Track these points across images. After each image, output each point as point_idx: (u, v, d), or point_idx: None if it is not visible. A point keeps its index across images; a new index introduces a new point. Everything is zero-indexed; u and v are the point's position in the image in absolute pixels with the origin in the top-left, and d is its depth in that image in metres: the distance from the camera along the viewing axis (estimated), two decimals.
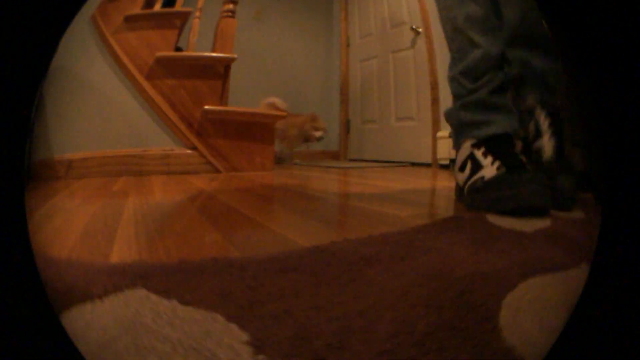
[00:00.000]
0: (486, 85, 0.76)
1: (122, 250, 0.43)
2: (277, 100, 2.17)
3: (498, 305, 0.27)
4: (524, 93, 0.79)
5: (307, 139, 2.30)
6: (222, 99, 1.65)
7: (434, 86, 2.16)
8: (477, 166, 0.70)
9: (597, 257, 0.20)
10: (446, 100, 2.10)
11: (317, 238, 0.49)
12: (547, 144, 0.75)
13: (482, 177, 0.67)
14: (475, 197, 0.67)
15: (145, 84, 1.47)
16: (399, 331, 0.24)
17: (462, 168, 0.74)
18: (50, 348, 0.20)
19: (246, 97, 2.44)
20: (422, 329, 0.24)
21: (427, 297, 0.29)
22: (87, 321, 0.25)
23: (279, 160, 2.24)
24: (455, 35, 0.80)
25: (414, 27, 2.27)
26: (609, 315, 0.19)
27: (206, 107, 1.55)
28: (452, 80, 0.81)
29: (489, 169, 0.68)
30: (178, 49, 1.60)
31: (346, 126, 2.94)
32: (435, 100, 2.16)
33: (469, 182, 0.70)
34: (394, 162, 2.46)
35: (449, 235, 0.48)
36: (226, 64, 1.66)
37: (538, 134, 0.75)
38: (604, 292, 0.20)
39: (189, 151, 1.54)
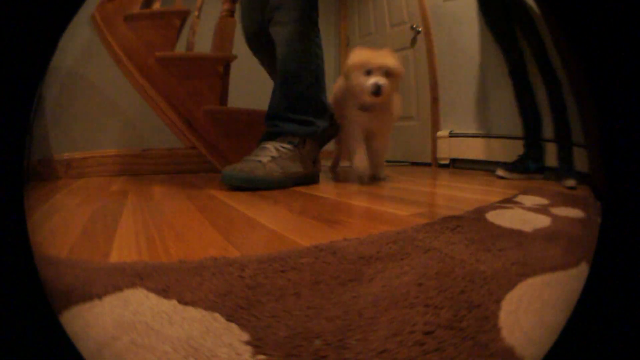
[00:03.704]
0: None
1: (122, 250, 0.43)
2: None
3: (497, 305, 0.27)
4: None
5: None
6: (222, 98, 1.65)
7: (434, 85, 2.16)
8: None
9: (597, 257, 0.20)
10: (446, 99, 2.10)
11: (316, 237, 0.49)
12: None
13: None
14: None
15: (145, 83, 1.47)
16: (398, 331, 0.24)
17: None
18: (49, 348, 0.20)
19: (246, 97, 2.44)
20: (421, 329, 0.24)
21: (426, 297, 0.29)
22: (86, 321, 0.25)
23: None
24: None
25: (414, 26, 2.27)
26: (609, 315, 0.19)
27: (206, 106, 1.55)
28: None
29: None
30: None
31: None
32: (435, 100, 2.16)
33: None
34: (393, 161, 2.46)
35: (449, 235, 0.48)
36: (226, 64, 1.66)
37: None
38: (604, 292, 0.20)
39: (188, 150, 1.54)
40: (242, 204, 0.76)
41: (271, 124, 1.13)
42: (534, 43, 1.31)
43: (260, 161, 1.03)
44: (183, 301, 0.28)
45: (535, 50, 1.32)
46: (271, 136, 1.11)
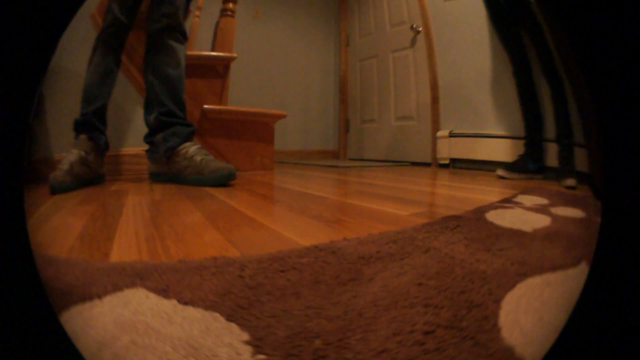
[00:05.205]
0: None
1: (122, 250, 0.43)
2: None
3: (497, 305, 0.27)
4: None
5: None
6: (222, 98, 1.65)
7: (434, 85, 2.16)
8: None
9: (597, 257, 0.20)
10: (446, 99, 2.10)
11: (316, 237, 0.49)
12: None
13: None
14: None
15: (144, 82, 1.47)
16: (398, 330, 0.24)
17: None
18: (49, 348, 0.20)
19: (246, 96, 2.44)
20: (421, 328, 0.24)
21: (426, 297, 0.29)
22: (86, 321, 0.25)
23: None
24: None
25: (414, 26, 2.27)
26: (609, 315, 0.19)
27: (205, 106, 1.55)
28: None
29: None
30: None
31: (345, 125, 2.94)
32: (435, 100, 2.16)
33: None
34: (393, 161, 2.46)
35: (449, 235, 0.48)
36: (226, 63, 1.66)
37: None
38: (604, 292, 0.20)
39: None
40: (242, 204, 0.76)
41: (192, 124, 1.23)
42: (539, 43, 1.32)
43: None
44: (183, 301, 0.28)
45: (540, 50, 1.32)
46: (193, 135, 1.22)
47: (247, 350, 0.21)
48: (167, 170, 1.17)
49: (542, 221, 0.57)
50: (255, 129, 1.69)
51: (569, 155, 1.25)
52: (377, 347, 0.22)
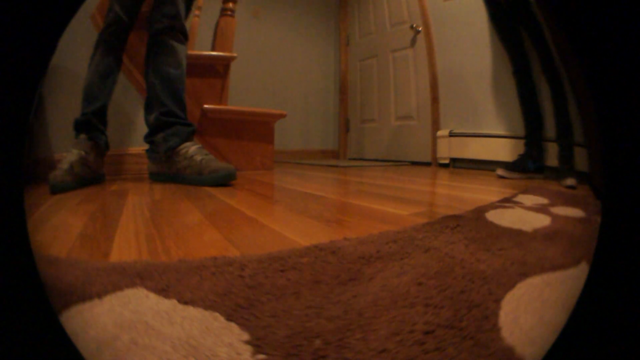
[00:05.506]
0: None
1: (122, 250, 0.43)
2: None
3: (497, 305, 0.27)
4: None
5: None
6: (222, 97, 1.65)
7: (434, 85, 2.16)
8: None
9: (597, 256, 0.20)
10: (446, 99, 2.10)
11: (316, 237, 0.49)
12: None
13: None
14: None
15: (145, 82, 1.47)
16: (398, 330, 0.24)
17: None
18: (49, 347, 0.20)
19: (246, 96, 2.44)
20: (421, 328, 0.24)
21: (426, 296, 0.29)
22: (86, 320, 0.25)
23: None
24: None
25: (414, 25, 2.27)
26: (609, 315, 0.19)
27: (205, 105, 1.55)
28: None
29: None
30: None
31: (346, 125, 2.94)
32: (435, 99, 2.16)
33: None
34: (393, 161, 2.46)
35: (449, 234, 0.48)
36: (226, 63, 1.66)
37: None
38: (604, 292, 0.20)
39: None
40: (242, 204, 0.76)
41: (192, 124, 1.22)
42: (539, 43, 1.32)
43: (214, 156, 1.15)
44: (183, 300, 0.28)
45: (540, 50, 1.32)
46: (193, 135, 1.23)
47: (247, 350, 0.21)
48: (167, 170, 1.17)
49: (542, 221, 0.57)
50: (255, 129, 1.69)
51: (569, 155, 1.25)
52: (377, 347, 0.22)
